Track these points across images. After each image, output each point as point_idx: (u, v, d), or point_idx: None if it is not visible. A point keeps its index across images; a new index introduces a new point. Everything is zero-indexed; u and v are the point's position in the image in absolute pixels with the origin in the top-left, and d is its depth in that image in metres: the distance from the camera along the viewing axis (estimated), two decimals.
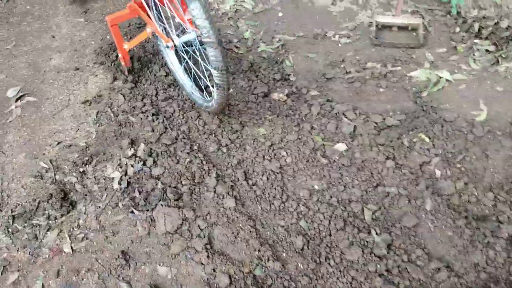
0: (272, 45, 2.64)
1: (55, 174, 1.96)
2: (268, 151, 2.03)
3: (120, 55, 2.28)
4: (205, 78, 2.04)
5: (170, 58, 2.31)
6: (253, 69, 2.46)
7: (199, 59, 1.93)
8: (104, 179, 1.94)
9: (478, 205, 1.78)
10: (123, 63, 2.33)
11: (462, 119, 2.11)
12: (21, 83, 2.43)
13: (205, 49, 1.73)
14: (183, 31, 1.97)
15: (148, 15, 2.05)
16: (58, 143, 2.10)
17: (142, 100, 2.27)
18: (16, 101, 2.32)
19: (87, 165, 1.99)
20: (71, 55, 2.61)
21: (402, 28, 2.67)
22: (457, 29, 2.64)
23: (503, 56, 2.39)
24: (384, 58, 2.50)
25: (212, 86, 1.89)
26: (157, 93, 2.32)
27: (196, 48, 1.92)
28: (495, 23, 2.46)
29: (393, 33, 2.67)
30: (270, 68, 2.46)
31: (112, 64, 2.48)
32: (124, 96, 2.30)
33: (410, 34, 2.65)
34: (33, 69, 2.52)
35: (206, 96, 2.10)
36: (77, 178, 1.94)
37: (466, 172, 1.90)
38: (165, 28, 2.00)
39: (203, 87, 2.17)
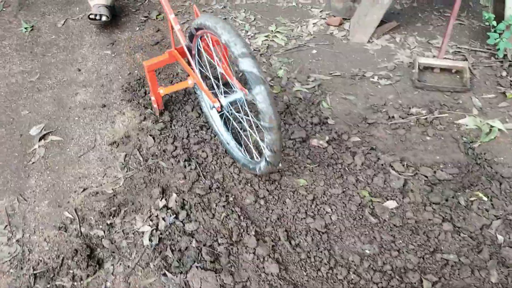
0: (307, 85, 2.51)
1: (80, 226, 1.80)
2: (310, 206, 1.87)
3: (153, 98, 2.16)
4: (251, 142, 2.00)
5: (212, 115, 2.17)
6: (289, 111, 2.33)
7: (244, 122, 1.92)
8: (133, 233, 1.78)
9: None
10: (155, 105, 2.21)
11: None
12: (45, 120, 2.31)
13: (249, 111, 1.77)
14: (226, 85, 1.89)
15: (190, 65, 1.93)
16: (84, 190, 1.96)
17: (173, 143, 2.14)
18: (39, 140, 2.19)
19: (114, 217, 1.84)
20: (98, 91, 2.50)
21: (445, 70, 2.53)
22: (504, 73, 2.49)
23: None
24: (429, 102, 2.35)
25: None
26: (188, 136, 2.19)
27: (242, 108, 1.85)
28: None
29: (436, 75, 2.53)
30: (307, 110, 2.33)
31: (140, 102, 2.36)
32: (153, 137, 2.16)
33: (454, 77, 2.52)
34: (57, 105, 2.40)
35: (252, 158, 1.97)
36: (104, 232, 1.78)
37: None
38: (205, 76, 1.91)
39: (243, 147, 2.07)
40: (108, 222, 1.82)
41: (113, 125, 2.27)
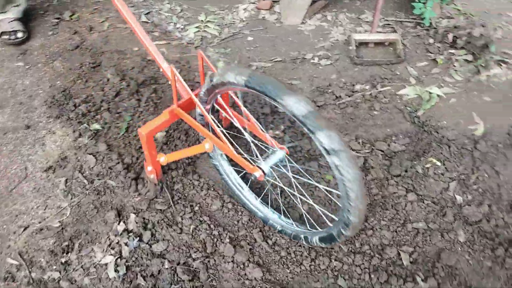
0: None
1: (30, 272, 1.57)
2: (279, 199, 1.82)
3: (149, 169, 1.68)
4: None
5: (241, 186, 1.77)
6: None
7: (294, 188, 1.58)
8: (95, 267, 1.59)
9: (507, 229, 1.72)
10: (152, 176, 1.71)
11: (463, 136, 2.08)
12: None
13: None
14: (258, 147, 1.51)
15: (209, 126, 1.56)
16: (25, 229, 1.70)
17: (118, 158, 1.94)
18: None
19: (69, 253, 1.63)
20: (17, 110, 2.18)
21: (379, 44, 2.61)
22: (431, 40, 2.63)
23: (482, 65, 2.41)
24: (370, 77, 2.41)
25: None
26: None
27: (286, 170, 1.49)
28: (468, 32, 2.48)
29: (371, 49, 2.59)
30: (256, 101, 2.25)
31: (71, 117, 2.10)
32: (94, 155, 1.94)
33: (388, 49, 2.60)
34: None
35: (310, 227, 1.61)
36: (60, 272, 1.57)
37: (484, 193, 1.85)
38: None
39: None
40: (63, 260, 1.60)
41: (44, 148, 2.00)
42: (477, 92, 2.32)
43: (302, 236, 1.57)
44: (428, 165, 1.94)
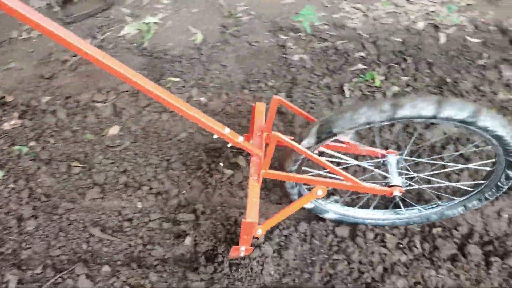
0: None
1: None
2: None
3: (242, 248, 1.37)
4: None
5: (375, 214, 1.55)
6: None
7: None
8: None
9: (244, 105, 2.09)
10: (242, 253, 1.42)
11: (188, 48, 2.32)
12: None
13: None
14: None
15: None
16: None
17: None
18: None
19: None
20: None
21: None
22: None
23: None
24: (88, 30, 2.38)
25: None
26: None
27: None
28: None
29: (78, 4, 2.53)
30: None
31: None
32: None
33: None
34: None
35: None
36: None
37: (220, 86, 2.16)
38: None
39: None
40: None
41: None
42: (185, 7, 2.57)
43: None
44: (169, 85, 2.12)
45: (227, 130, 1.20)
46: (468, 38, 2.33)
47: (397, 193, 1.33)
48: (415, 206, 1.53)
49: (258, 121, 1.40)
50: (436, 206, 1.52)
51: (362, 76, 2.13)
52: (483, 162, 1.53)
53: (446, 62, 2.21)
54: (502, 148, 1.19)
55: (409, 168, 1.48)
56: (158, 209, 1.64)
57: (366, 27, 2.42)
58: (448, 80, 2.11)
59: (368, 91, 2.08)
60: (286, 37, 2.37)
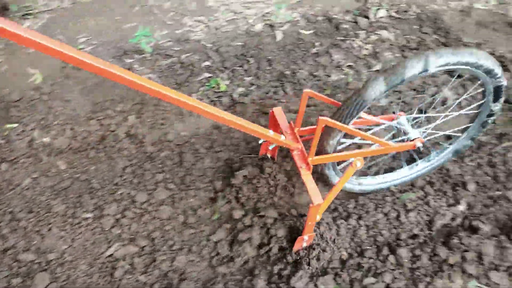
0: None
1: None
2: None
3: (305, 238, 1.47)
4: None
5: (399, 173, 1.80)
6: None
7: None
8: None
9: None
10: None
11: (30, 90, 2.17)
12: None
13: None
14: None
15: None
16: None
17: None
18: None
19: None
20: None
21: None
22: None
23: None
24: None
25: None
26: None
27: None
28: None
29: None
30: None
31: None
32: None
33: None
34: None
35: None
36: None
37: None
38: None
39: None
40: None
41: None
42: (21, 48, 2.43)
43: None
44: (6, 133, 1.98)
45: (271, 133, 1.36)
46: (301, 31, 2.53)
47: (419, 143, 1.53)
48: (431, 152, 1.79)
49: (282, 122, 1.50)
50: (449, 145, 1.77)
51: (208, 84, 2.19)
52: (473, 106, 1.75)
53: (284, 56, 2.36)
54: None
55: (419, 123, 1.70)
56: None
57: (209, 37, 2.50)
58: (287, 72, 2.26)
59: (215, 97, 2.15)
60: (131, 60, 2.35)
